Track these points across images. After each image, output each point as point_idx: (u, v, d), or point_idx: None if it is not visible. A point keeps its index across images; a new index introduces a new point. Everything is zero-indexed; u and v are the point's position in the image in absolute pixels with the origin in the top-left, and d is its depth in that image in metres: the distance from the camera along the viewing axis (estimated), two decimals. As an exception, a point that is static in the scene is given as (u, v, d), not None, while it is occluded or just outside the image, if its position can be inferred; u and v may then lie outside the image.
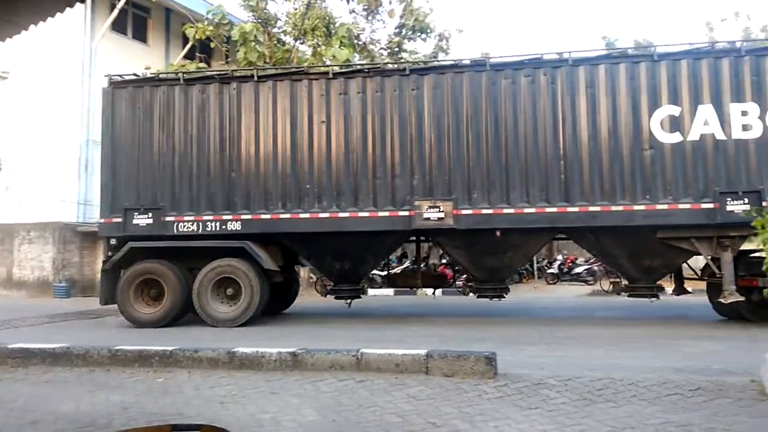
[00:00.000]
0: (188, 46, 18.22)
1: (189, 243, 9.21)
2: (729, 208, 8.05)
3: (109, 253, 9.45)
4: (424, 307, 11.16)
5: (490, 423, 3.96)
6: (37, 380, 5.39)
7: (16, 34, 5.19)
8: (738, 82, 8.41)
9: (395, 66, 9.63)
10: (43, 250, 16.62)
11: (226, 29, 16.40)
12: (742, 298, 8.32)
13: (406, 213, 8.81)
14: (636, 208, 8.40)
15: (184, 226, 9.19)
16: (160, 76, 10.05)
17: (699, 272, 9.63)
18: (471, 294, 10.28)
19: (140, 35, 18.95)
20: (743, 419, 3.90)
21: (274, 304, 10.13)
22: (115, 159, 9.47)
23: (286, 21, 17.36)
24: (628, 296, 9.53)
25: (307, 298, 13.97)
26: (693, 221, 8.33)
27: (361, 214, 8.91)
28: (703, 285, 9.70)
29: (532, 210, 8.62)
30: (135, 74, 9.93)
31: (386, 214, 8.87)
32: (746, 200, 8.06)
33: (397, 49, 17.77)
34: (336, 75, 9.26)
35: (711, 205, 8.22)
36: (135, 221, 9.26)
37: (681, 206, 8.30)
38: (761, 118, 8.29)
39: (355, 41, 17.18)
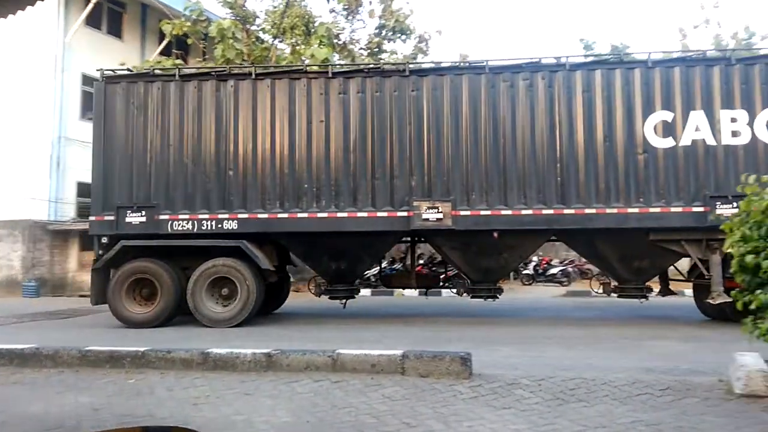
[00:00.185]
0: (165, 43, 17.99)
1: (184, 242, 9.09)
2: (718, 211, 8.22)
3: (100, 252, 9.26)
4: (401, 308, 11.17)
5: (464, 423, 3.99)
6: (4, 381, 5.27)
7: (-15, 27, 5.06)
8: (728, 89, 8.68)
9: (395, 66, 9.68)
10: (11, 248, 16.22)
11: (204, 26, 16.23)
12: (730, 299, 8.52)
13: (405, 213, 8.85)
14: (630, 210, 8.61)
15: (178, 225, 9.07)
16: (155, 71, 9.90)
17: (685, 274, 9.90)
18: (465, 294, 10.28)
19: (115, 30, 18.64)
20: (711, 418, 3.99)
21: (266, 304, 10.05)
22: (107, 155, 9.29)
23: (265, 19, 17.23)
24: (618, 297, 9.75)
25: (295, 298, 13.90)
26: (684, 224, 8.56)
27: (359, 215, 8.92)
28: (685, 286, 9.93)
29: (530, 212, 8.76)
30: (129, 69, 9.83)
31: (385, 214, 8.91)
32: (735, 204, 8.25)
33: (377, 50, 17.75)
34: (335, 74, 9.26)
35: (701, 209, 8.45)
36: (128, 219, 9.10)
37: (673, 209, 8.53)
38: (749, 124, 8.57)
39: (335, 41, 17.13)
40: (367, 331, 8.52)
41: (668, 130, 8.71)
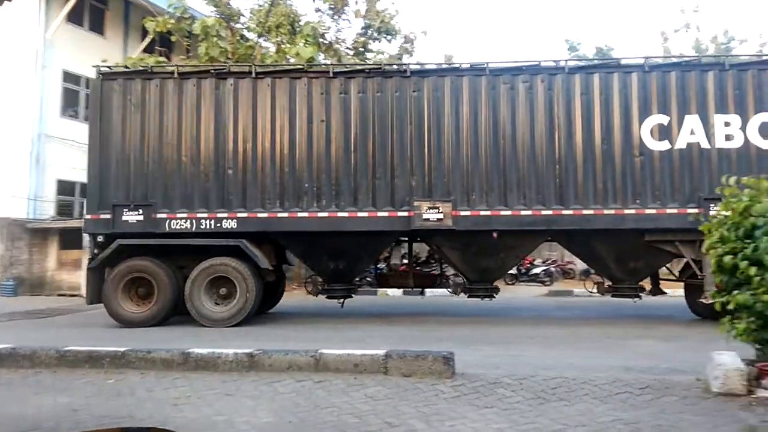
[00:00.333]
0: (148, 40, 17.77)
1: (182, 241, 9.02)
2: (712, 213, 8.31)
3: (95, 251, 9.14)
4: (385, 307, 11.17)
5: (446, 422, 4.00)
6: (-20, 382, 5.17)
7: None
8: (722, 94, 8.87)
9: (396, 67, 9.72)
10: (-11, 246, 15.96)
11: (188, 23, 16.05)
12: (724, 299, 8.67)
13: (406, 213, 8.89)
14: (627, 212, 8.77)
15: (176, 224, 8.99)
16: (153, 68, 9.79)
17: (677, 274, 10.07)
18: (463, 294, 10.37)
19: (97, 27, 18.38)
20: (688, 417, 4.05)
21: (262, 303, 9.96)
22: (103, 153, 9.16)
23: (250, 17, 17.12)
24: (612, 296, 9.89)
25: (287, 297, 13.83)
26: (679, 225, 8.71)
27: (360, 214, 8.94)
28: (673, 285, 10.16)
29: (529, 212, 8.86)
30: (126, 66, 9.72)
31: (385, 214, 8.94)
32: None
33: (362, 50, 17.72)
34: (336, 74, 9.28)
35: (696, 210, 8.61)
36: (124, 218, 8.99)
37: (668, 211, 8.70)
38: (742, 129, 8.78)
39: (320, 40, 17.07)
40: (350, 330, 8.52)
41: (664, 133, 8.88)
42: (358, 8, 17.71)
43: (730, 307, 3.09)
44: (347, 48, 17.99)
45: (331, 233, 9.07)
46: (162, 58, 15.50)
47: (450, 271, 11.30)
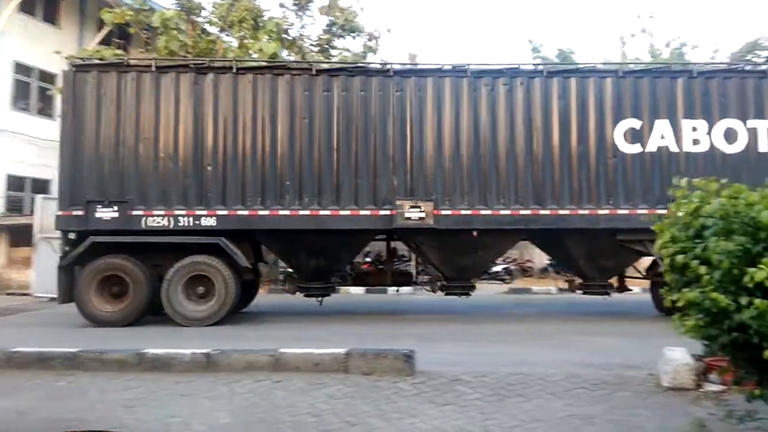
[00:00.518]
0: (105, 32, 17.25)
1: (159, 238, 8.81)
2: (680, 214, 8.54)
3: (66, 248, 8.86)
4: (348, 306, 11.13)
5: (405, 420, 4.02)
6: None
7: None
8: (690, 100, 9.23)
9: (380, 66, 9.71)
10: (-65, 244, 15.25)
11: (147, 15, 15.66)
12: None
13: (388, 212, 8.91)
14: (600, 212, 9.02)
15: (153, 221, 8.77)
16: (130, 61, 9.53)
17: (643, 272, 10.40)
18: (440, 292, 10.60)
19: (51, 18, 17.74)
20: (641, 411, 4.17)
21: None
22: (76, 147, 8.86)
23: (212, 11, 16.81)
24: (583, 294, 10.20)
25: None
26: (649, 225, 8.84)
27: (342, 213, 8.92)
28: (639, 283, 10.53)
29: (508, 212, 9.02)
30: (100, 58, 9.38)
31: (368, 212, 8.94)
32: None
33: (327, 47, 17.61)
34: (319, 72, 9.23)
35: (665, 211, 8.73)
36: (98, 214, 8.71)
37: (639, 211, 8.94)
38: (708, 134, 9.15)
39: (284, 36, 16.88)
40: (312, 328, 8.47)
41: (636, 136, 9.18)
42: (322, 5, 17.60)
43: (680, 304, 3.17)
44: (311, 44, 17.85)
45: (312, 231, 9.03)
46: (119, 51, 15.03)
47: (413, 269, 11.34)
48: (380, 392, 4.61)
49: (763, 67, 9.27)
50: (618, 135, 9.17)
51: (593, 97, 9.21)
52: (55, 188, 16.75)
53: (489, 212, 9.00)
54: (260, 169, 8.96)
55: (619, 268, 10.00)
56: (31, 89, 17.02)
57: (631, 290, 10.71)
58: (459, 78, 9.22)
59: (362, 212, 8.93)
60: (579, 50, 34.70)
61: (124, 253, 8.75)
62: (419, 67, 9.63)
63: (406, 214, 8.85)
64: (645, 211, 8.89)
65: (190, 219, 8.78)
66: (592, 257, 9.61)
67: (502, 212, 9.01)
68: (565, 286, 11.39)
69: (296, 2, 17.27)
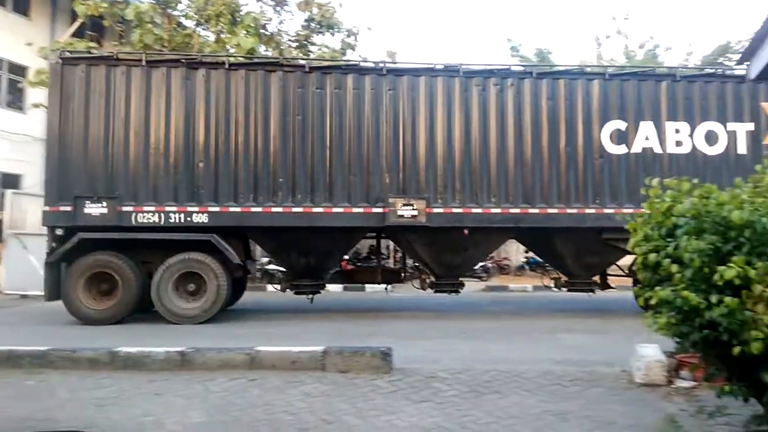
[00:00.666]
0: (78, 24, 16.90)
1: (150, 235, 8.69)
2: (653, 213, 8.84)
3: (53, 245, 8.67)
4: (326, 303, 11.09)
5: (382, 417, 4.02)
6: None
7: None
8: (673, 103, 9.48)
9: (373, 64, 9.71)
10: None
11: (121, 8, 15.38)
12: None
13: (380, 210, 8.96)
14: (587, 211, 9.21)
15: (143, 217, 8.65)
16: (119, 55, 9.34)
17: (627, 270, 10.57)
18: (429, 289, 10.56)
19: (22, 9, 17.34)
20: (614, 407, 4.24)
21: None
22: (63, 142, 8.68)
23: (188, 5, 16.57)
24: (568, 291, 10.43)
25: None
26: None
27: (335, 210, 8.94)
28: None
29: (498, 210, 9.15)
30: (88, 51, 9.15)
31: (361, 210, 8.98)
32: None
33: (305, 43, 17.50)
34: (312, 69, 9.23)
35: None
36: (87, 210, 8.54)
37: (625, 210, 9.09)
38: (690, 136, 9.42)
39: (262, 31, 16.72)
40: (291, 326, 8.46)
41: (622, 138, 9.40)
42: (300, 0, 17.47)
43: (653, 302, 3.22)
44: (290, 40, 17.72)
45: (304, 229, 9.02)
46: (93, 44, 14.77)
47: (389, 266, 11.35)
48: (357, 390, 4.61)
49: (742, 73, 9.46)
50: (605, 136, 9.38)
51: (581, 99, 9.41)
52: (26, 183, 16.42)
53: (480, 210, 9.12)
54: (253, 166, 8.92)
55: (603, 266, 10.21)
56: (1, 82, 16.60)
57: (613, 288, 10.91)
58: (451, 78, 9.32)
59: (355, 210, 8.97)
60: (556, 50, 35.01)
61: (113, 249, 8.62)
62: (412, 66, 9.57)
63: (399, 212, 8.92)
64: (630, 211, 9.04)
65: (182, 215, 8.70)
66: (578, 255, 9.82)
67: (493, 211, 9.14)
68: (550, 283, 11.58)
69: (275, -3, 17.12)
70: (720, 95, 9.53)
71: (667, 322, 3.17)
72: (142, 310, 8.91)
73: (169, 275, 8.61)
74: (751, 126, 9.47)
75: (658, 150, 9.37)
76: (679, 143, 9.41)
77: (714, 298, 2.88)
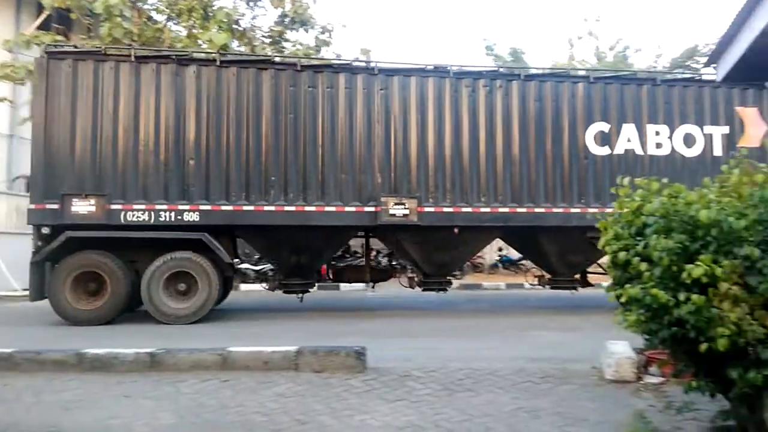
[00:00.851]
0: (44, 16, 16.47)
1: (140, 234, 8.55)
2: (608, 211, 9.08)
3: (39, 243, 8.46)
4: (296, 303, 11.02)
5: (356, 417, 4.00)
6: None
7: None
8: (654, 107, 9.81)
9: (364, 64, 9.75)
10: None
11: (89, 0, 15.03)
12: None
13: (373, 209, 9.04)
14: (572, 210, 9.46)
15: (133, 216, 8.53)
16: (107, 50, 9.13)
17: (606, 268, 10.58)
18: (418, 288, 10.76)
19: (-16, -1, 16.82)
20: (585, 403, 4.29)
21: None
22: (50, 138, 8.47)
23: (159, -1, 16.25)
24: (551, 288, 10.69)
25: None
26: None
27: (327, 209, 8.97)
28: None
29: (487, 209, 9.34)
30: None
31: (353, 209, 9.03)
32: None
33: (279, 39, 17.34)
34: (304, 68, 9.25)
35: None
36: (74, 208, 8.36)
37: (608, 210, 9.09)
38: (670, 138, 9.76)
39: (235, 27, 16.52)
40: (265, 326, 8.41)
41: (605, 139, 9.69)
42: (273, -5, 17.28)
43: (623, 300, 3.27)
44: (263, 36, 17.54)
45: (295, 227, 9.02)
46: (59, 37, 14.39)
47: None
48: (331, 390, 4.58)
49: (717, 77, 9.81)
50: (589, 138, 9.64)
51: (567, 101, 9.65)
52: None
53: (470, 210, 9.28)
54: (245, 164, 8.87)
55: (586, 264, 10.46)
56: (-38, 74, 16.02)
57: (593, 285, 11.10)
58: (441, 78, 9.44)
59: (347, 209, 9.02)
60: (530, 50, 35.41)
61: (101, 248, 8.47)
62: (403, 66, 9.63)
63: (391, 211, 9.01)
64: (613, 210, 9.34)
65: (172, 214, 8.60)
66: (562, 254, 10.06)
67: (483, 210, 9.32)
68: (534, 281, 11.81)
69: (247, -8, 16.92)
70: (697, 99, 9.89)
71: (636, 320, 3.22)
72: (129, 309, 8.81)
73: (160, 274, 8.51)
74: (726, 129, 9.85)
75: (639, 152, 9.68)
76: (659, 145, 9.73)
77: (682, 296, 2.93)
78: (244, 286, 13.85)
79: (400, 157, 9.24)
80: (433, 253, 9.80)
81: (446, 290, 10.34)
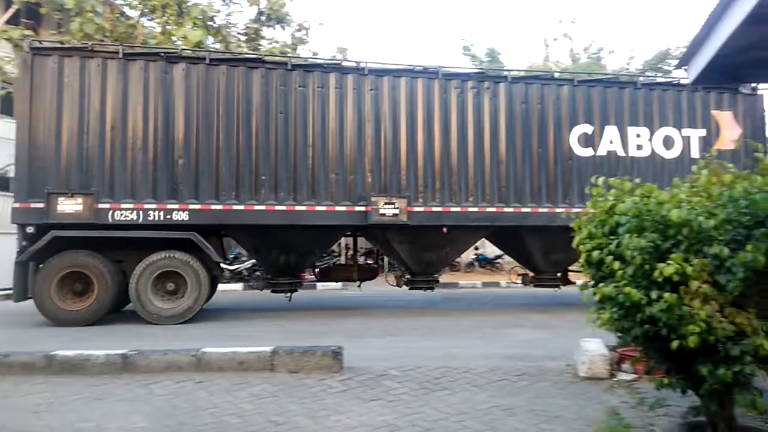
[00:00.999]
0: (12, 10, 16.05)
1: (128, 233, 8.41)
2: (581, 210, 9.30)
3: (24, 243, 8.27)
4: (275, 302, 10.95)
5: (332, 417, 3.99)
6: None
7: None
8: (635, 109, 10.05)
9: (355, 64, 9.66)
10: None
11: (60, -5, 14.70)
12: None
13: (363, 208, 9.07)
14: (557, 210, 9.61)
15: (121, 215, 8.39)
16: (94, 47, 8.99)
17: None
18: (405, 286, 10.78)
19: (-50, -9, 16.32)
20: (559, 401, 4.34)
21: None
22: (35, 136, 8.29)
23: (133, -6, 15.96)
24: (534, 286, 10.86)
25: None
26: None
27: (318, 208, 8.97)
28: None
29: (475, 209, 9.47)
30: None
31: (343, 209, 9.05)
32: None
33: (255, 36, 17.19)
34: (294, 67, 9.21)
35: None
36: (60, 207, 8.20)
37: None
38: (650, 140, 10.02)
39: (209, 23, 16.32)
40: (243, 326, 8.30)
41: (588, 141, 9.89)
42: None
43: (596, 298, 3.31)
44: (239, 33, 17.37)
45: (285, 227, 8.99)
46: (28, 32, 14.06)
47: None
48: (307, 390, 4.56)
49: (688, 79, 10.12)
50: (573, 139, 9.83)
51: (552, 103, 9.82)
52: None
53: (458, 209, 9.40)
54: (235, 163, 8.81)
55: (569, 263, 10.61)
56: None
57: (574, 283, 11.21)
58: (431, 79, 9.52)
59: (338, 208, 9.03)
60: (506, 51, 35.69)
61: (88, 248, 8.31)
62: (393, 67, 9.65)
63: (381, 211, 9.05)
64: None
65: (161, 213, 8.49)
66: (546, 252, 10.24)
67: (470, 210, 9.44)
68: (518, 280, 11.98)
69: (223, -11, 16.73)
70: (676, 103, 10.15)
71: (610, 318, 3.26)
72: (114, 309, 8.69)
73: (149, 274, 8.41)
74: (703, 132, 10.14)
75: (621, 153, 9.91)
76: (639, 147, 9.97)
77: (654, 294, 2.97)
78: (220, 286, 13.70)
79: (390, 157, 9.30)
80: (422, 253, 9.89)
81: (433, 289, 10.45)
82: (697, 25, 4.66)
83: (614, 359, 4.98)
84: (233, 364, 5.00)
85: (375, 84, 9.32)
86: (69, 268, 8.24)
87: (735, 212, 2.97)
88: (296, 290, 10.12)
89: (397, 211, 9.10)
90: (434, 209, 9.32)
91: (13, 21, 15.87)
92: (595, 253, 3.33)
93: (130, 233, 8.43)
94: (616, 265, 3.15)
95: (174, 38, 14.83)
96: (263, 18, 17.34)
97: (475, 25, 46.56)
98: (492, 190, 9.54)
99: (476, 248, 17.41)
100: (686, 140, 10.05)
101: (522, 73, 10.45)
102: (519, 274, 11.85)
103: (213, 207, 8.66)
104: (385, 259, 14.26)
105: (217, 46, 16.21)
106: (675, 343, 2.92)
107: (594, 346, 5.02)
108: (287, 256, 9.44)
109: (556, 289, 10.78)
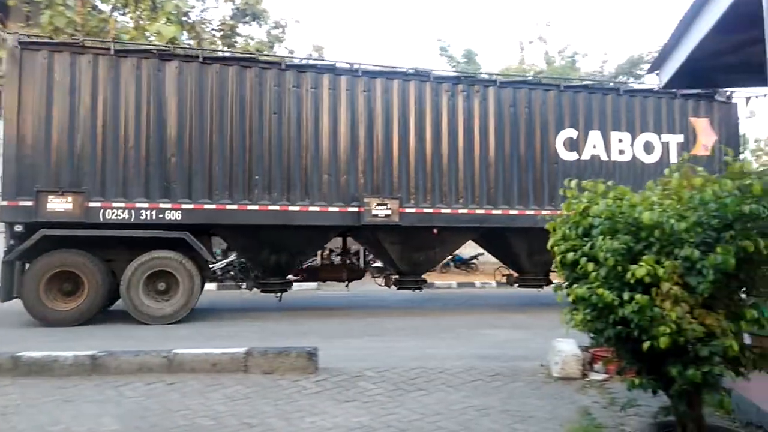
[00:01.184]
0: (-22, 2, 15.59)
1: (120, 232, 8.28)
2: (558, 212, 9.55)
3: (11, 242, 8.09)
4: (256, 303, 10.85)
5: (306, 418, 3.96)
6: None
7: None
8: (617, 115, 10.33)
9: (348, 65, 9.66)
10: None
11: (29, -12, 14.34)
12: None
13: (356, 209, 9.12)
14: (543, 212, 9.70)
15: (113, 214, 8.27)
16: (85, 42, 8.79)
17: None
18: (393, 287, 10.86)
19: None
20: (533, 401, 4.38)
21: None
22: (23, 132, 8.10)
23: (106, -13, 15.66)
24: (519, 286, 11.10)
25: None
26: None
27: (311, 209, 8.99)
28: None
29: (465, 211, 9.63)
30: (50, 37, 8.34)
31: (336, 209, 9.09)
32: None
33: (230, 33, 17.01)
34: (288, 67, 9.20)
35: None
36: (50, 206, 8.02)
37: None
38: (631, 145, 10.33)
39: (184, 19, 16.10)
40: (219, 327, 8.21)
41: (573, 145, 10.14)
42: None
43: (570, 299, 3.34)
44: (213, 30, 17.17)
45: (276, 226, 8.97)
46: (-5, 24, 13.69)
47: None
48: (281, 391, 4.52)
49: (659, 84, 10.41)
50: (559, 143, 10.06)
51: (539, 108, 10.03)
52: None
53: (449, 211, 9.53)
54: (228, 163, 8.76)
55: (552, 263, 10.65)
56: None
57: (554, 283, 11.36)
58: (422, 82, 9.62)
59: (331, 209, 9.06)
60: (482, 53, 35.96)
61: (78, 247, 8.17)
62: (386, 69, 9.70)
63: (374, 212, 9.11)
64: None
65: (153, 212, 8.39)
66: (531, 253, 10.43)
67: (461, 211, 9.58)
68: (503, 280, 12.20)
69: (197, -16, 16.53)
70: (656, 109, 10.46)
71: (583, 319, 3.31)
72: (103, 309, 8.56)
73: (140, 274, 8.31)
74: (681, 138, 10.46)
75: (604, 157, 10.18)
76: (621, 152, 10.26)
77: (626, 296, 3.00)
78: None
79: (383, 158, 9.37)
80: (412, 253, 10.00)
81: (421, 289, 10.57)
82: (668, 30, 4.75)
83: (587, 359, 5.05)
84: (206, 366, 4.93)
85: (368, 86, 9.38)
86: (59, 268, 8.09)
87: (705, 215, 3.02)
88: (286, 290, 10.12)
89: (389, 212, 9.17)
90: (425, 210, 9.43)
91: (-21, 12, 15.43)
92: (570, 255, 3.36)
93: (121, 232, 8.31)
94: (590, 266, 3.18)
95: (147, 34, 14.58)
96: (239, 14, 17.17)
97: (451, 25, 46.82)
98: (481, 192, 9.70)
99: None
100: (665, 146, 10.35)
101: (501, 78, 10.52)
102: (504, 275, 11.99)
103: (206, 206, 8.61)
104: (364, 258, 14.20)
105: (191, 42, 16.00)
106: (646, 344, 2.96)
107: (567, 347, 5.08)
108: (278, 256, 9.41)
109: (540, 289, 10.97)
